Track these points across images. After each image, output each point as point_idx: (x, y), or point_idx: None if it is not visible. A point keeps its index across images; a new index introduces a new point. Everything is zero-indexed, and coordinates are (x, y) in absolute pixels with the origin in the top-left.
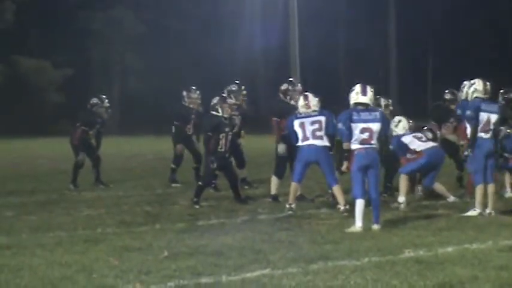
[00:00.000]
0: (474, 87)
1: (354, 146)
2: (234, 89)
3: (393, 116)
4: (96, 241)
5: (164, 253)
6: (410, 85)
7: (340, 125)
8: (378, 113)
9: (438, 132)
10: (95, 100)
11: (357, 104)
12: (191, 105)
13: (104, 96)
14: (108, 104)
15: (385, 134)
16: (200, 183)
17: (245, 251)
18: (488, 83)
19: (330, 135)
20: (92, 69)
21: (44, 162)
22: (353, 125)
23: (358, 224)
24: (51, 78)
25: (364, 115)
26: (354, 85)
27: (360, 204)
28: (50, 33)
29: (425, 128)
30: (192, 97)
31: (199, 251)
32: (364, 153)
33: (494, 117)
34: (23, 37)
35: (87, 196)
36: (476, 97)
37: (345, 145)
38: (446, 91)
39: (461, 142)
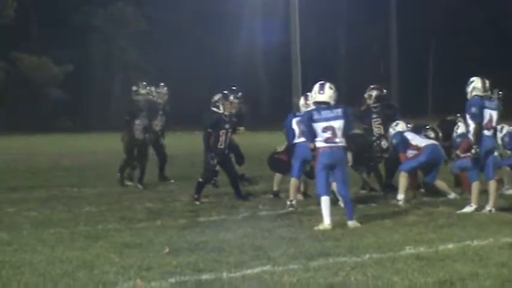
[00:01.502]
0: (473, 86)
1: (319, 144)
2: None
3: (387, 106)
4: (97, 237)
5: (165, 249)
6: (411, 83)
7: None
8: (339, 110)
9: (440, 132)
10: (134, 87)
11: (316, 102)
12: (159, 100)
13: (144, 83)
14: (144, 91)
15: (351, 131)
16: (200, 179)
17: (246, 247)
18: (487, 81)
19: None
20: (93, 66)
21: (44, 158)
22: (315, 124)
23: (327, 221)
24: (52, 74)
25: (325, 113)
26: (356, 83)
27: (324, 201)
28: (50, 29)
29: (427, 127)
30: (160, 92)
31: (200, 247)
32: (329, 152)
33: (495, 114)
34: (24, 34)
35: (88, 192)
36: (475, 95)
37: (310, 146)
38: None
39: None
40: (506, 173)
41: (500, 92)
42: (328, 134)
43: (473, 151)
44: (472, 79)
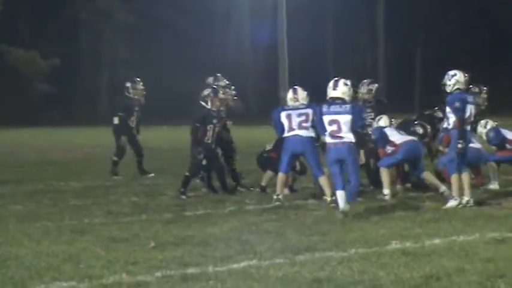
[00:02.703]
0: (456, 79)
1: (327, 139)
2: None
3: (378, 101)
4: (83, 231)
5: (151, 244)
6: (398, 75)
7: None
8: (348, 106)
9: (429, 127)
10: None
11: (331, 98)
12: (135, 97)
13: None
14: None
15: (360, 127)
16: (187, 173)
17: (232, 241)
18: (466, 75)
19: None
20: (81, 59)
21: (31, 152)
22: (323, 117)
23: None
24: (39, 68)
25: (334, 107)
26: (343, 76)
27: (340, 195)
28: (38, 23)
29: (416, 122)
30: (136, 88)
31: (186, 242)
32: (333, 148)
33: (473, 109)
34: (11, 27)
35: (74, 186)
36: (457, 89)
37: (322, 138)
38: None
39: (441, 148)
40: (491, 168)
41: (485, 88)
42: (333, 127)
43: (458, 145)
44: (453, 72)
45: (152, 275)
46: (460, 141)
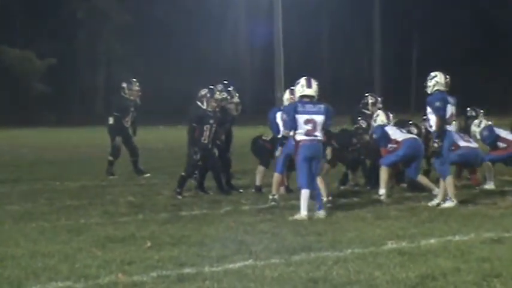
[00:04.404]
0: (435, 80)
1: (299, 137)
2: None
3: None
4: (79, 231)
5: (147, 243)
6: (394, 76)
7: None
8: (322, 106)
9: (423, 127)
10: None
11: (302, 96)
12: (131, 97)
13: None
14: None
15: (328, 126)
16: (183, 173)
17: (228, 241)
18: (447, 76)
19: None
20: (77, 59)
21: (27, 151)
22: (297, 116)
23: (304, 212)
24: (36, 67)
25: (309, 107)
26: (340, 77)
27: (305, 193)
28: (34, 22)
29: (410, 122)
30: (132, 89)
31: (182, 242)
32: (309, 145)
33: (454, 110)
34: (7, 27)
35: (70, 186)
36: (437, 90)
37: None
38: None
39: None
40: (487, 168)
41: (482, 111)
42: (308, 127)
43: (435, 145)
44: (433, 73)
45: (148, 275)
46: (437, 140)
